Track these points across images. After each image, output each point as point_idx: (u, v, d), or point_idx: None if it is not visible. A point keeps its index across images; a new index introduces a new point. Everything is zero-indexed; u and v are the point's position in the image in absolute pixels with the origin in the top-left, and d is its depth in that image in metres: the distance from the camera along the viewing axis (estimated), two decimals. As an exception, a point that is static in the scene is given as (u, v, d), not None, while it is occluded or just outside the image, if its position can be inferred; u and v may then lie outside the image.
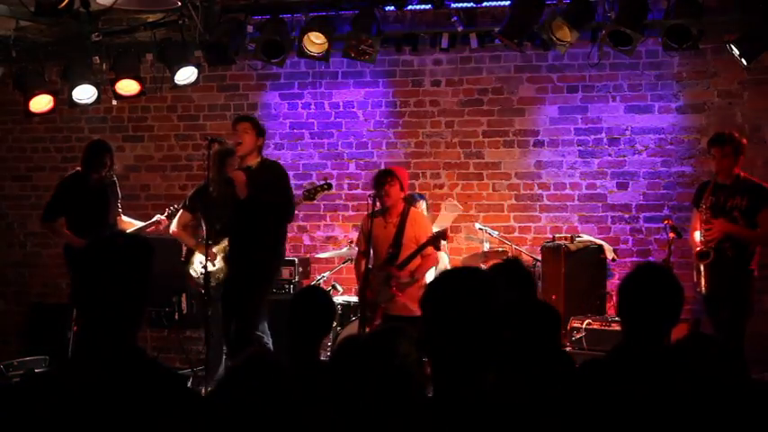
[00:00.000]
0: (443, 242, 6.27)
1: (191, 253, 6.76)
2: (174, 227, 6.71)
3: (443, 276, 2.26)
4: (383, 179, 6.08)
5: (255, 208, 5.94)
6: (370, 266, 6.03)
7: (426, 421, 2.06)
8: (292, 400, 2.42)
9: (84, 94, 7.39)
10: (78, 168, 6.89)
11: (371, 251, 6.13)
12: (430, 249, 6.07)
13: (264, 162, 6.16)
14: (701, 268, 5.87)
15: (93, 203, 6.74)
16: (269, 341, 6.23)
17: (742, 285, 5.86)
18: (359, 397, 2.18)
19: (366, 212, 6.32)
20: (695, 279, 5.93)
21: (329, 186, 6.84)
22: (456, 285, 2.16)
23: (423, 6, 7.02)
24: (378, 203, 6.10)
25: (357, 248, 6.48)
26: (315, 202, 7.00)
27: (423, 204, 6.93)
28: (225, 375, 2.55)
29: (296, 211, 6.39)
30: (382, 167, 7.71)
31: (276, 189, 6.00)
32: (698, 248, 5.89)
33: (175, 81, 7.28)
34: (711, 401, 2.73)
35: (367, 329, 5.95)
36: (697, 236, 5.94)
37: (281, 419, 2.33)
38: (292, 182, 7.89)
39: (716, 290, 5.86)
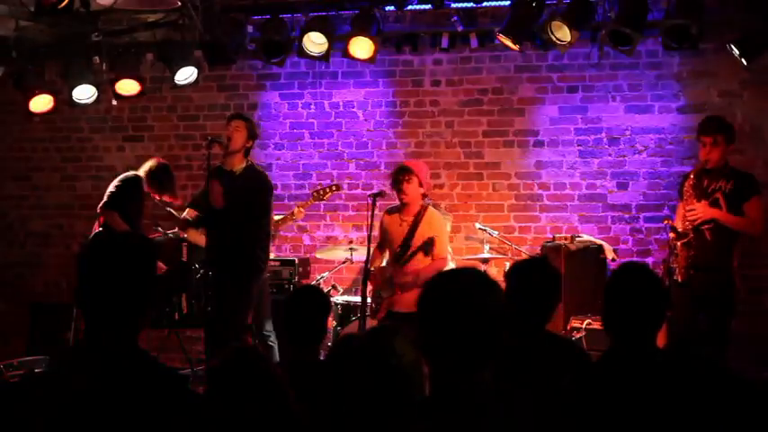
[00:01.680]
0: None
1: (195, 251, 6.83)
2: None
3: (441, 276, 2.26)
4: (400, 176, 5.94)
5: (231, 217, 5.89)
6: (370, 267, 6.04)
7: (423, 421, 2.06)
8: (279, 393, 2.43)
9: (84, 94, 7.39)
10: (137, 174, 7.01)
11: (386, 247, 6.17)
12: (442, 253, 6.00)
13: (249, 169, 6.05)
14: (678, 249, 5.68)
15: (138, 211, 6.97)
16: (274, 341, 6.23)
17: (722, 277, 5.63)
18: (355, 396, 2.18)
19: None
20: (672, 265, 5.71)
21: (338, 188, 6.96)
22: (453, 285, 2.16)
23: (423, 6, 7.01)
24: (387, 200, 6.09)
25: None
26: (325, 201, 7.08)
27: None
28: (208, 373, 2.56)
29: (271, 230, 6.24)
30: (382, 167, 7.75)
31: (252, 202, 5.93)
32: (679, 229, 5.72)
33: (175, 81, 7.28)
34: (700, 403, 2.73)
35: (372, 322, 5.97)
36: (678, 225, 5.79)
37: (268, 411, 2.33)
38: (292, 181, 7.99)
39: (692, 279, 5.63)
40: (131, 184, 6.94)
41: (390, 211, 6.11)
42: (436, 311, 2.12)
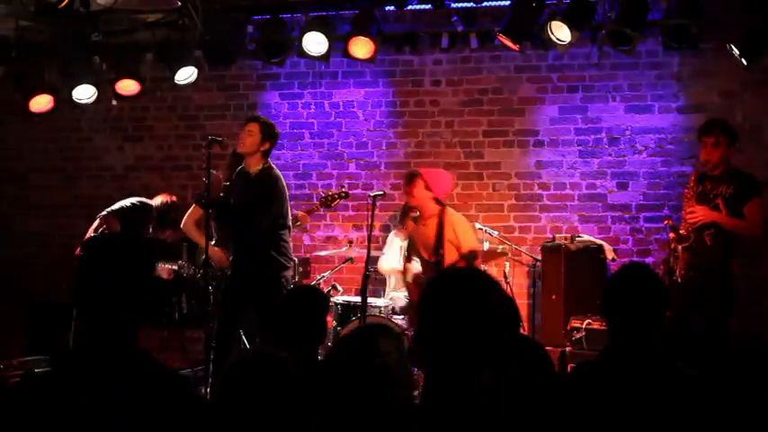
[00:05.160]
0: None
1: (195, 251, 6.83)
2: (185, 221, 6.63)
3: (440, 276, 2.26)
4: (405, 181, 6.42)
5: (246, 218, 5.92)
6: (370, 271, 6.10)
7: (415, 421, 2.06)
8: (294, 396, 2.42)
9: (84, 94, 7.39)
10: (150, 203, 7.21)
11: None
12: (469, 244, 6.26)
13: (262, 172, 5.98)
14: (679, 252, 5.67)
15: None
16: None
17: (720, 280, 5.62)
18: (343, 396, 2.18)
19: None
20: (672, 265, 5.70)
21: (346, 194, 6.88)
22: (452, 285, 2.15)
23: (423, 6, 7.02)
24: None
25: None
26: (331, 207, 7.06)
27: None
28: (225, 372, 2.54)
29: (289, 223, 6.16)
30: (382, 167, 7.76)
31: (259, 205, 5.91)
32: (680, 230, 5.72)
33: (175, 81, 7.28)
34: (699, 401, 2.73)
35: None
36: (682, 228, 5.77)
37: (283, 414, 2.32)
38: (292, 181, 7.98)
39: (691, 280, 5.62)
40: (144, 211, 7.05)
41: (415, 220, 6.37)
42: (435, 311, 2.11)
